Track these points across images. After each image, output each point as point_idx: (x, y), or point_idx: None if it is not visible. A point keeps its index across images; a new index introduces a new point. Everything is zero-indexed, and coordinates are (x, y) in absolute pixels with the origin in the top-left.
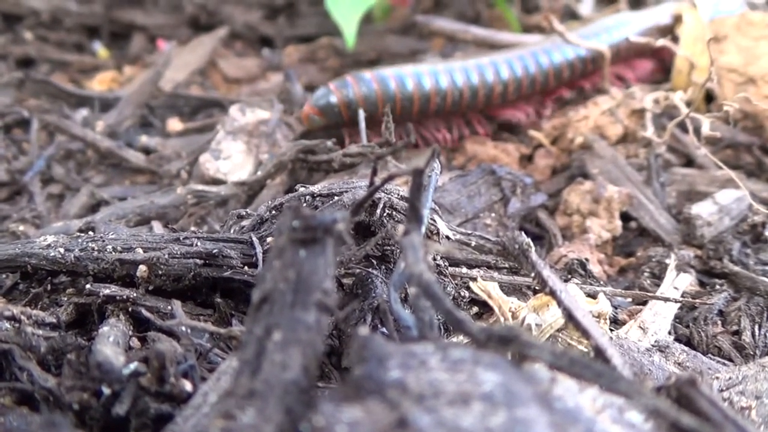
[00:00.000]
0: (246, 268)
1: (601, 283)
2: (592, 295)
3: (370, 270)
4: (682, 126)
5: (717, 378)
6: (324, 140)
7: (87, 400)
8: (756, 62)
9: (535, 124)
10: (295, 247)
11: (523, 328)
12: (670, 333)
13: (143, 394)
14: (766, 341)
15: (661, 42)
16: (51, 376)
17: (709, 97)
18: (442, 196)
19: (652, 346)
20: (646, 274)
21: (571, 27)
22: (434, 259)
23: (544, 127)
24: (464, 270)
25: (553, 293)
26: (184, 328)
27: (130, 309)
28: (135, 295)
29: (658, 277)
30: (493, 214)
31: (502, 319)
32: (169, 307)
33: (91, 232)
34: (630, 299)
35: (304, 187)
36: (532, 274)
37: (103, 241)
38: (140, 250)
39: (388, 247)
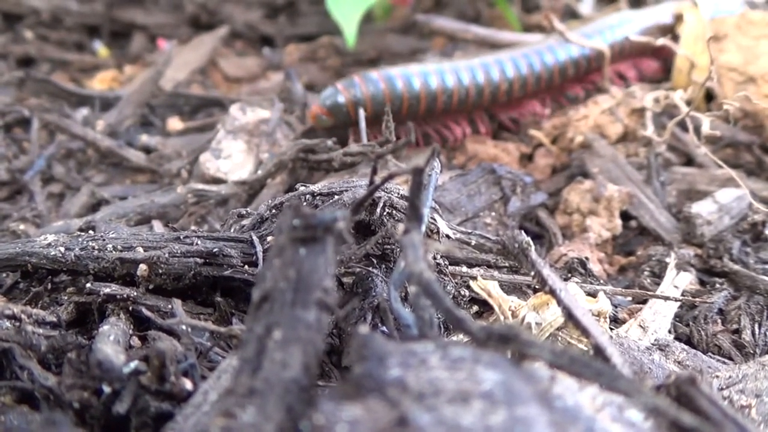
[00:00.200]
0: (246, 267)
1: (601, 281)
2: (592, 294)
3: (370, 269)
4: (683, 125)
5: (717, 376)
6: (324, 139)
7: (87, 399)
8: (756, 61)
9: (536, 123)
10: (295, 245)
11: (523, 327)
12: (670, 332)
13: (143, 392)
14: (766, 340)
15: (662, 41)
16: (51, 374)
17: (710, 96)
18: (443, 195)
19: (652, 344)
20: (646, 272)
21: (572, 26)
22: (434, 258)
23: (544, 127)
24: (464, 269)
25: (552, 292)
26: (184, 327)
27: (130, 308)
28: (135, 294)
29: (658, 276)
30: (493, 213)
31: (502, 318)
32: (170, 306)
33: (91, 231)
34: (630, 298)
35: (305, 186)
36: (532, 273)
37: (104, 240)
38: (141, 249)
39: (389, 246)
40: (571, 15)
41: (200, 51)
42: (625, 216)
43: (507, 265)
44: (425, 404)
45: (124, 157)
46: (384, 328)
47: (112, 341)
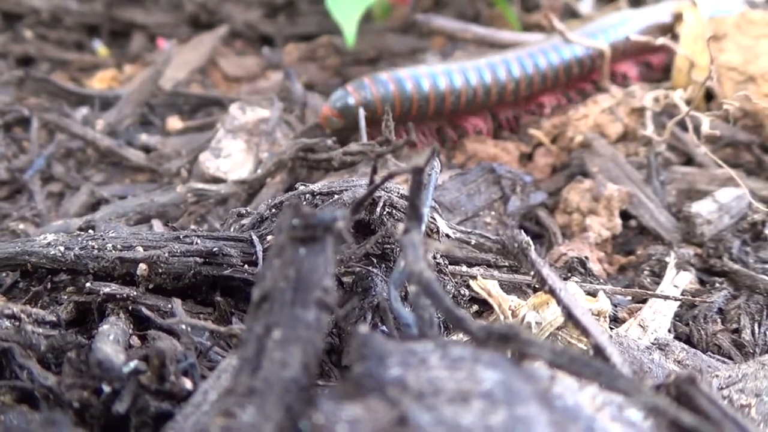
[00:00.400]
0: (246, 266)
1: (601, 281)
2: (592, 294)
3: (370, 268)
4: (682, 124)
5: (717, 376)
6: (324, 138)
7: (87, 398)
8: (756, 61)
9: (535, 122)
10: (295, 245)
11: (523, 327)
12: (669, 331)
13: (143, 392)
14: (765, 339)
15: (661, 40)
16: (51, 374)
17: (709, 96)
18: (442, 195)
19: (652, 344)
20: (645, 272)
21: (571, 25)
22: (434, 258)
23: (544, 126)
24: (464, 268)
25: (552, 291)
26: (184, 327)
27: (130, 307)
28: (135, 293)
29: (657, 276)
30: (492, 213)
31: (501, 318)
32: (170, 306)
33: (91, 231)
34: (630, 297)
35: (304, 185)
36: (532, 273)
37: (103, 239)
38: (140, 249)
39: (388, 246)
40: (570, 14)
41: (200, 50)
42: (625, 215)
43: (507, 264)
44: (425, 404)
45: (123, 157)
46: (384, 328)
47: (111, 341)
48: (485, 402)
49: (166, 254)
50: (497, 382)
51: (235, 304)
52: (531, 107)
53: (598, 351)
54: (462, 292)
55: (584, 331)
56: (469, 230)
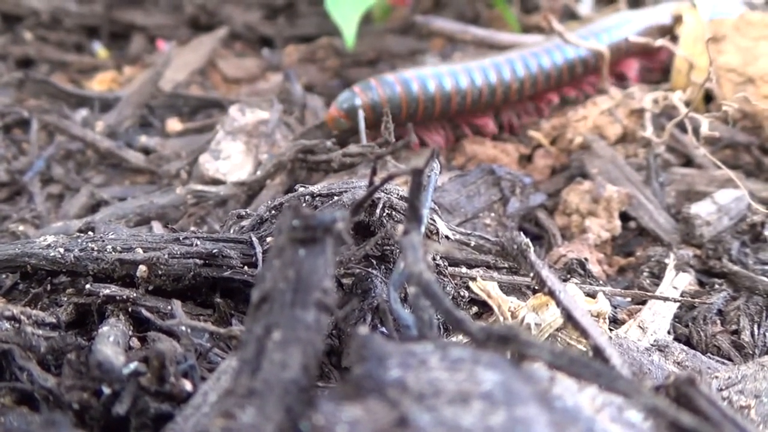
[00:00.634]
0: (246, 267)
1: (601, 282)
2: (592, 295)
3: (369, 270)
4: (681, 126)
5: (716, 377)
6: (323, 140)
7: (87, 400)
8: (755, 62)
9: (535, 123)
10: (294, 246)
11: (523, 328)
12: (669, 332)
13: (143, 393)
14: (765, 340)
15: (661, 42)
16: (51, 375)
17: (708, 97)
18: (442, 196)
19: (652, 345)
20: (645, 273)
21: (571, 27)
22: (434, 259)
23: (544, 127)
24: (464, 270)
25: (551, 293)
26: (184, 328)
27: (130, 309)
28: (135, 295)
29: (657, 277)
30: (492, 214)
31: (501, 319)
32: (169, 307)
33: (90, 233)
34: (629, 299)
35: (304, 187)
36: (531, 274)
37: (103, 241)
38: (140, 250)
39: (388, 247)
40: (570, 16)
41: (199, 52)
42: (625, 217)
43: (506, 265)
44: (425, 405)
45: (123, 158)
46: (383, 329)
47: (111, 342)
48: (485, 403)
49: (166, 256)
50: (497, 383)
51: (235, 305)
52: (540, 105)
53: (598, 352)
54: (461, 293)
55: (584, 333)
56: (469, 232)
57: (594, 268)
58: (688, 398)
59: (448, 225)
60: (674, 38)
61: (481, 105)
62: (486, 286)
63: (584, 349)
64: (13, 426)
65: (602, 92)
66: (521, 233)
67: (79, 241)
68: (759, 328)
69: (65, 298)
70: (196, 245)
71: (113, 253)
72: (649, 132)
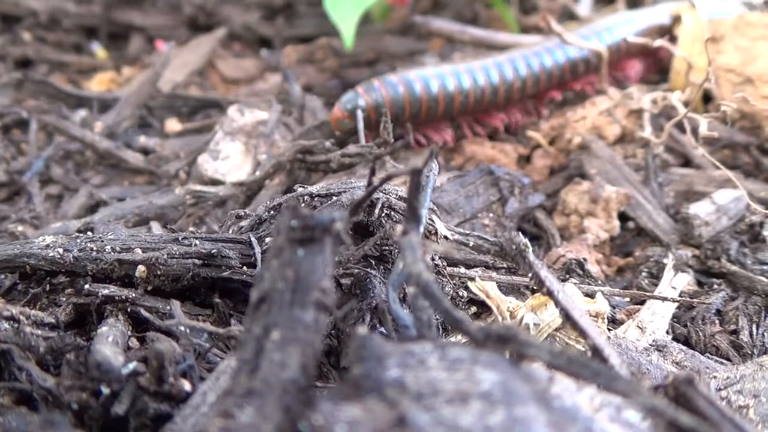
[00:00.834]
0: (244, 268)
1: (599, 282)
2: (590, 295)
3: (368, 270)
4: (680, 126)
5: (715, 377)
6: (322, 140)
7: (86, 400)
8: (754, 62)
9: (533, 124)
10: (293, 246)
11: (521, 328)
12: (668, 332)
13: (142, 393)
14: (763, 340)
15: (659, 42)
16: (50, 375)
17: (707, 98)
18: (441, 197)
19: (650, 345)
20: (644, 273)
21: (570, 27)
22: (432, 259)
23: (542, 128)
24: (462, 270)
25: (550, 293)
26: (182, 328)
27: (128, 309)
28: (134, 295)
29: (655, 277)
30: (491, 215)
31: (500, 319)
32: (168, 307)
33: (89, 233)
34: (628, 299)
35: (303, 187)
36: (530, 274)
37: (102, 241)
38: (139, 251)
39: (387, 247)
40: (568, 16)
41: (198, 52)
42: (623, 217)
43: (505, 266)
44: (424, 404)
45: (122, 159)
46: (382, 329)
47: (110, 342)
48: (484, 402)
49: (165, 256)
50: (496, 383)
51: (234, 305)
52: (540, 106)
53: (596, 352)
54: (460, 293)
55: (582, 333)
56: (468, 232)
57: (593, 268)
58: (687, 398)
59: (447, 225)
60: (673, 38)
61: (484, 105)
62: (485, 286)
63: (583, 349)
64: (12, 426)
65: (601, 92)
66: (520, 233)
67: (78, 241)
68: (757, 328)
69: (64, 299)
70: (195, 245)
71: (112, 253)
72: (647, 132)
